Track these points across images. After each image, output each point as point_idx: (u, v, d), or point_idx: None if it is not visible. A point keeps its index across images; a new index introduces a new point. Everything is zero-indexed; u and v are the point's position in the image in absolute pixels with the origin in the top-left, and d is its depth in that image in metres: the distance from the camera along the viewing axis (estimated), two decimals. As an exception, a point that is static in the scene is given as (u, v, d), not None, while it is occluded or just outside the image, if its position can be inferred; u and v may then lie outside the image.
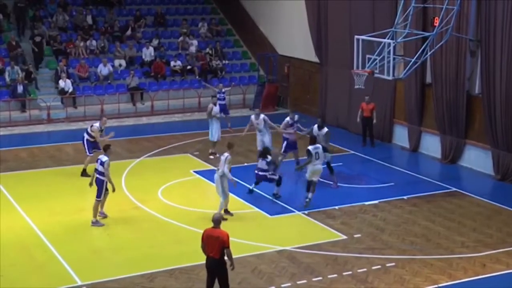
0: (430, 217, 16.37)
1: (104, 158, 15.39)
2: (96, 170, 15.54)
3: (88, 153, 18.82)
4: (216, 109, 20.97)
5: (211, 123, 20.87)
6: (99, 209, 15.77)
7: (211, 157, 20.69)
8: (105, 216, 15.81)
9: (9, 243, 14.48)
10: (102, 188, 15.44)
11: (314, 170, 16.57)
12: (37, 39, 27.33)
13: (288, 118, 19.53)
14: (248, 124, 20.31)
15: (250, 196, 17.51)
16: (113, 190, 15.56)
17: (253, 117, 20.14)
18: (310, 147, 16.62)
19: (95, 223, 15.44)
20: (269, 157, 17.03)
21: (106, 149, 15.60)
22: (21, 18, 28.60)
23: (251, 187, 17.62)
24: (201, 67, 29.18)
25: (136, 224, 15.78)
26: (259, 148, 19.64)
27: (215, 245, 10.97)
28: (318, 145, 16.94)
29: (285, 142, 19.38)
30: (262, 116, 20.00)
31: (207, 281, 11.36)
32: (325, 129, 18.63)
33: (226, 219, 15.05)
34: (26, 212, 16.23)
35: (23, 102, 25.69)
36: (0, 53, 27.32)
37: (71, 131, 24.67)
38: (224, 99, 24.73)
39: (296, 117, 19.68)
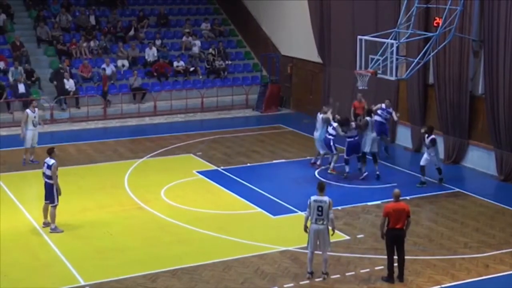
0: (433, 218, 16.36)
1: (50, 161, 15.04)
2: (43, 174, 15.24)
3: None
4: None
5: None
6: (43, 219, 15.35)
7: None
8: (48, 225, 15.29)
9: (12, 243, 14.50)
10: (53, 192, 15.06)
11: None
12: None
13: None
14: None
15: (253, 197, 17.52)
16: (59, 194, 15.15)
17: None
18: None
19: (54, 230, 15.04)
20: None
21: (51, 152, 15.24)
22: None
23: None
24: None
25: (139, 224, 15.78)
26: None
27: (402, 216, 12.57)
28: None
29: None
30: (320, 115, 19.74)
31: (390, 251, 12.74)
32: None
33: None
34: (29, 212, 16.26)
35: (25, 102, 25.71)
36: (3, 53, 27.36)
37: (74, 131, 24.71)
38: (386, 118, 20.81)
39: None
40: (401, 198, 12.98)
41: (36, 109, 20.32)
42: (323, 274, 12.93)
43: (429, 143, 18.18)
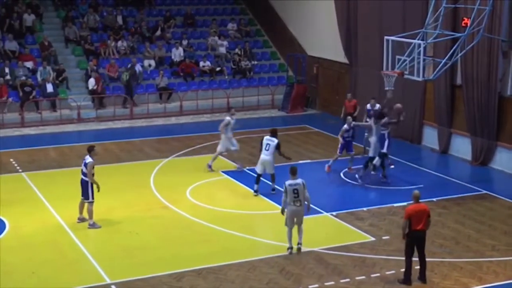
0: (460, 220, 16.20)
1: (88, 159, 15.23)
2: (81, 171, 15.41)
3: None
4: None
5: None
6: (79, 214, 15.59)
7: None
8: (82, 221, 15.56)
9: (40, 241, 14.68)
10: (88, 189, 15.23)
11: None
12: None
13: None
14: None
15: (278, 197, 17.46)
16: (98, 190, 15.27)
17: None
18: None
19: (92, 225, 15.28)
20: None
21: (90, 150, 15.41)
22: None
23: None
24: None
25: (165, 224, 15.87)
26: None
27: (423, 217, 12.61)
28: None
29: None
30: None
31: (410, 253, 12.73)
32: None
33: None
34: (56, 210, 16.41)
35: (53, 101, 25.99)
36: (32, 53, 27.69)
37: (101, 130, 24.90)
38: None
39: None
40: (425, 200, 12.88)
41: (234, 116, 19.95)
42: (298, 244, 14.06)
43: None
